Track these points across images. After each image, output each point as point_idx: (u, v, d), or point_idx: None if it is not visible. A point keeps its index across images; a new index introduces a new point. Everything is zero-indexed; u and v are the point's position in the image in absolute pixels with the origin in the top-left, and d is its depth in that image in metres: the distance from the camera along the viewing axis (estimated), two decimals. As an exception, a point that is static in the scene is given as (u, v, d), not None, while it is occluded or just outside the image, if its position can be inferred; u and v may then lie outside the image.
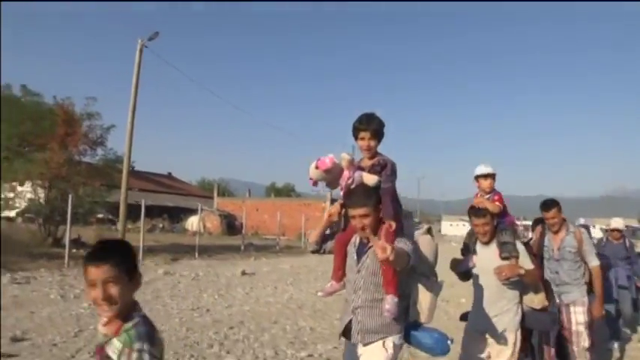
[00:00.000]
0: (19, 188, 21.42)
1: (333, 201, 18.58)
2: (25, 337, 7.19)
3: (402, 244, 2.88)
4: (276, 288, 13.62)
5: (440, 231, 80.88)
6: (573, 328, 5.35)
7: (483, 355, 4.18)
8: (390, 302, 2.87)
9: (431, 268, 3.26)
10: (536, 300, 4.34)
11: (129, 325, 2.04)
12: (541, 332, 5.35)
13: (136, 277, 2.12)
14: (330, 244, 3.32)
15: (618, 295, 7.49)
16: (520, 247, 4.29)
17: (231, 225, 42.78)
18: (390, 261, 2.46)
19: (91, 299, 2.03)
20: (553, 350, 5.53)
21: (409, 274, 3.10)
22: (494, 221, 4.33)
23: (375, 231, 2.86)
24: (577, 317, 5.36)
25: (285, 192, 78.79)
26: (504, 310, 4.17)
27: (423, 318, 3.23)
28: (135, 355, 1.95)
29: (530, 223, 7.61)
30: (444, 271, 4.49)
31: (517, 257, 4.17)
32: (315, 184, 3.24)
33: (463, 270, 4.48)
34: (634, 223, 48.74)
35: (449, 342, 3.15)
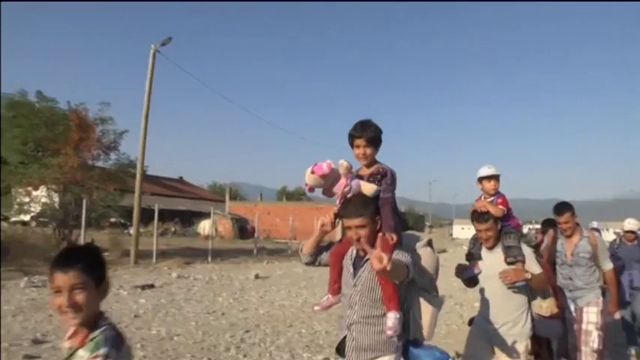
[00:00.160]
0: (34, 193, 21.63)
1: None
2: (45, 339, 7.28)
3: (400, 255, 2.72)
4: (289, 292, 13.65)
5: (452, 234, 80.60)
6: (583, 327, 5.22)
7: None
8: (392, 319, 2.72)
9: (431, 282, 3.08)
10: (544, 306, 4.22)
11: (96, 332, 1.94)
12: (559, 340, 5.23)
13: (103, 285, 2.03)
14: (325, 256, 3.15)
15: (632, 297, 7.44)
16: (526, 250, 4.11)
17: (242, 229, 42.89)
18: (387, 272, 2.26)
19: (55, 306, 1.92)
20: None
21: (408, 288, 2.94)
22: (498, 225, 4.15)
23: (372, 243, 2.60)
24: (589, 317, 5.23)
25: (297, 196, 78.80)
26: (512, 319, 4.01)
27: (422, 335, 3.02)
28: None
29: (540, 225, 7.45)
30: (451, 277, 4.44)
31: (523, 261, 4.00)
32: (310, 189, 3.05)
33: (468, 276, 4.31)
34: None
35: None
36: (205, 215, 40.36)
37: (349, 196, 2.91)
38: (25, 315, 8.85)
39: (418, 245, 3.11)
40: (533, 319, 4.12)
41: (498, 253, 4.13)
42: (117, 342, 1.95)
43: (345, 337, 2.90)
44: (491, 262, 4.11)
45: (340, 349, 2.93)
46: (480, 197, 4.43)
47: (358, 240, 2.76)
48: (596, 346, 5.14)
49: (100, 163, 23.03)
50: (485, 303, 4.16)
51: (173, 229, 41.24)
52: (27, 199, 21.89)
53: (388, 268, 2.21)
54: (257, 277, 16.30)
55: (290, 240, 32.49)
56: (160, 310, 10.02)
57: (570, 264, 5.39)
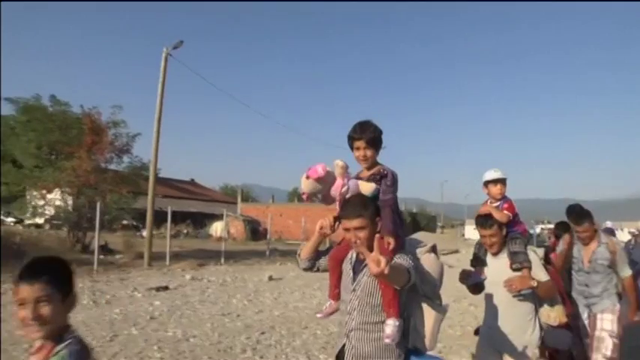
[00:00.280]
0: (48, 196, 21.84)
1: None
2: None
3: (401, 259, 2.60)
4: (303, 293, 13.64)
5: (463, 235, 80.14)
6: (597, 333, 4.97)
7: None
8: (391, 326, 2.57)
9: (435, 289, 2.91)
10: (552, 316, 4.01)
11: (60, 346, 1.86)
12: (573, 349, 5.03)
13: (70, 298, 1.96)
14: (324, 261, 3.02)
15: None
16: (533, 257, 3.91)
17: (255, 230, 42.96)
18: (385, 276, 2.14)
19: (19, 319, 1.85)
20: None
21: (409, 295, 2.78)
22: (502, 231, 3.97)
23: (372, 246, 2.37)
24: (603, 324, 4.99)
25: (308, 197, 78.69)
26: (519, 327, 3.85)
27: (424, 344, 2.85)
28: None
29: (553, 226, 7.22)
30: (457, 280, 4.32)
31: (529, 268, 3.81)
32: (308, 198, 2.92)
33: (472, 283, 4.15)
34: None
35: None
36: (217, 217, 40.54)
37: (348, 196, 2.78)
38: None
39: (421, 251, 2.97)
40: (542, 328, 3.96)
41: (504, 259, 3.97)
42: (82, 356, 1.90)
43: (344, 345, 2.76)
44: (497, 269, 3.97)
45: (339, 358, 2.80)
46: (486, 202, 4.26)
47: (356, 242, 2.61)
48: (609, 353, 4.89)
49: (112, 166, 23.28)
50: (490, 311, 4.02)
51: (185, 231, 41.46)
52: (42, 202, 22.12)
53: (386, 271, 2.10)
54: (270, 278, 16.32)
55: (302, 241, 32.50)
56: (175, 311, 10.05)
57: (587, 271, 5.17)
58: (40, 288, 1.83)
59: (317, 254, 3.02)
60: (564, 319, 4.11)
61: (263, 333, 8.46)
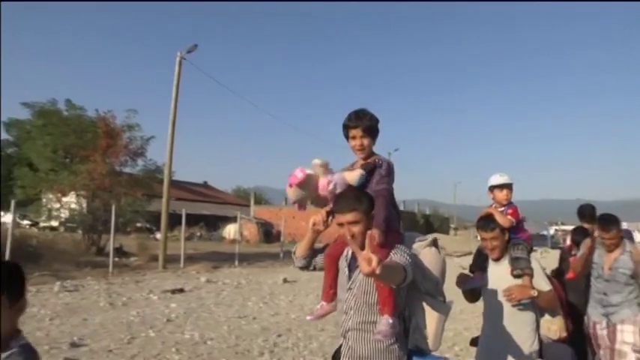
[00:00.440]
0: (64, 199, 22.04)
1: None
2: (83, 342, 7.39)
3: (398, 256, 2.47)
4: (318, 295, 13.49)
5: (477, 236, 79.82)
6: (617, 347, 4.65)
7: None
8: (384, 324, 2.45)
9: (437, 286, 2.73)
10: (552, 329, 3.85)
11: (4, 355, 1.75)
12: None
13: (20, 303, 1.84)
14: (320, 259, 2.87)
15: None
16: (535, 265, 3.73)
17: (268, 233, 42.99)
18: (378, 276, 1.99)
19: None
20: None
21: (410, 293, 2.67)
22: (505, 236, 3.79)
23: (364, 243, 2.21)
24: (624, 336, 4.64)
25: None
26: (519, 337, 3.60)
27: (428, 344, 2.71)
28: None
29: (567, 227, 7.03)
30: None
31: (530, 275, 3.64)
32: (300, 206, 2.80)
33: (469, 288, 3.96)
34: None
35: None
36: (230, 219, 40.64)
37: (338, 192, 2.63)
38: (61, 319, 9.00)
39: (421, 245, 2.79)
40: (541, 342, 3.75)
41: (505, 265, 3.78)
42: None
43: (341, 346, 2.63)
44: (497, 275, 3.79)
45: (335, 359, 2.69)
46: (491, 207, 4.10)
47: (352, 237, 2.44)
48: None
49: (127, 169, 23.44)
50: (489, 319, 3.86)
51: (199, 233, 41.59)
52: (57, 205, 22.32)
53: (377, 271, 1.94)
54: (285, 281, 16.27)
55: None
56: (191, 314, 10.07)
57: (607, 279, 4.86)
58: None
59: (313, 252, 2.89)
60: (564, 334, 3.94)
61: (280, 335, 8.44)
